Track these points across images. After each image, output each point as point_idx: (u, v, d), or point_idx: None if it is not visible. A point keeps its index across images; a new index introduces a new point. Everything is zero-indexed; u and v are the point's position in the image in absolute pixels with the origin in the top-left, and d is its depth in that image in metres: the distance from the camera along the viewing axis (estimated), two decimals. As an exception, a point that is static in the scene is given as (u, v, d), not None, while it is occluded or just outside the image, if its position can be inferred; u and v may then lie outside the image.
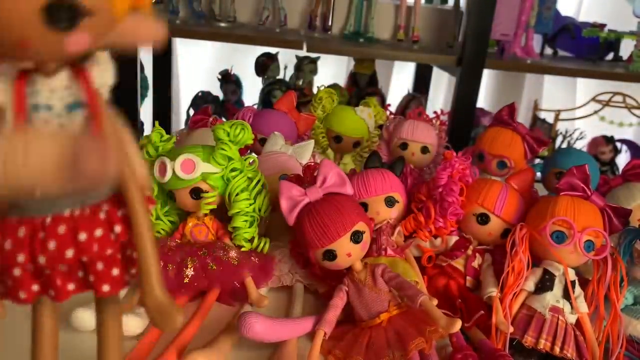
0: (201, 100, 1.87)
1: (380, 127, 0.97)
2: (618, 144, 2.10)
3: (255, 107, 0.97)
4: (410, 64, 2.20)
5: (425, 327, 0.54)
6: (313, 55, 1.85)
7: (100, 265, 0.36)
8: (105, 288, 0.37)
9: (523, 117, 2.21)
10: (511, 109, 0.86)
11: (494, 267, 0.67)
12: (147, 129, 1.89)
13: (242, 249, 0.64)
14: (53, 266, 0.35)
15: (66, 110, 0.33)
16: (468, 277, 0.68)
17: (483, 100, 2.25)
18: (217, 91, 1.94)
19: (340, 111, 0.95)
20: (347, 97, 1.91)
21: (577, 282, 0.63)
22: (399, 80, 2.28)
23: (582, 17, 2.24)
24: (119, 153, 0.36)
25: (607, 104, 2.06)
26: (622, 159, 2.11)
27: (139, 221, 0.36)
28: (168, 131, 1.80)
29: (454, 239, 0.70)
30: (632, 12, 1.76)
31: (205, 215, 0.65)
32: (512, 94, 2.29)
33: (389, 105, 1.16)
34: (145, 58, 1.90)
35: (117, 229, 0.36)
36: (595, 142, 2.08)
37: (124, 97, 1.61)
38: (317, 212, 0.58)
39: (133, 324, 0.56)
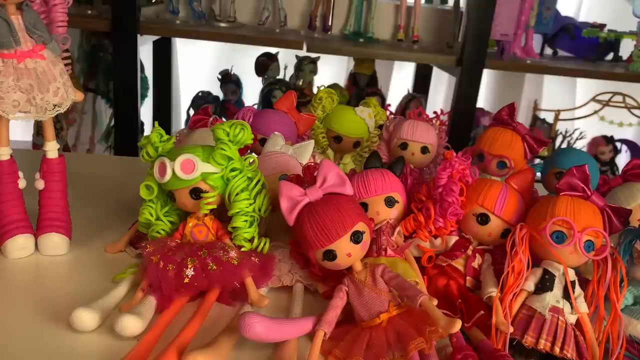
0: (201, 100, 1.87)
1: (380, 127, 0.96)
2: (618, 144, 2.10)
3: (255, 107, 0.97)
4: (410, 64, 2.20)
5: (425, 327, 0.54)
6: (313, 55, 1.85)
7: None
8: None
9: (523, 117, 2.21)
10: (511, 109, 0.86)
11: (494, 267, 0.67)
12: (147, 129, 1.89)
13: (242, 249, 0.64)
14: None
15: None
16: (468, 277, 0.68)
17: (483, 100, 2.25)
18: (217, 91, 1.94)
19: (340, 111, 0.95)
20: (347, 97, 1.91)
21: (577, 282, 0.63)
22: (399, 80, 2.28)
23: (582, 17, 2.24)
24: None
25: (607, 104, 2.06)
26: (622, 159, 2.11)
27: None
28: (168, 131, 1.81)
29: (453, 239, 0.70)
30: (631, 12, 1.76)
31: (205, 215, 0.65)
32: (512, 94, 2.29)
33: (389, 105, 1.16)
34: (146, 58, 1.90)
35: None
36: (595, 142, 2.08)
37: (124, 97, 1.61)
38: (317, 212, 0.58)
39: (133, 324, 0.56)
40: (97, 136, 1.91)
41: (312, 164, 0.70)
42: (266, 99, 1.84)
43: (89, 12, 1.64)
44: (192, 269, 0.60)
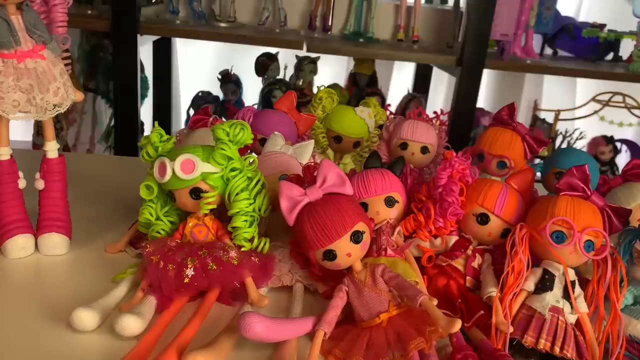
0: (201, 100, 1.87)
1: (380, 127, 0.97)
2: (618, 144, 2.10)
3: (255, 107, 0.97)
4: (410, 64, 2.20)
5: (425, 327, 0.54)
6: (313, 55, 1.85)
7: None
8: None
9: (523, 117, 2.21)
10: (511, 109, 0.86)
11: (494, 267, 0.67)
12: (147, 129, 1.89)
13: (242, 249, 0.64)
14: None
15: None
16: (468, 277, 0.68)
17: (483, 100, 2.24)
18: (217, 91, 1.94)
19: (340, 111, 0.95)
20: (347, 97, 1.91)
21: (577, 282, 0.63)
22: (399, 80, 2.28)
23: (582, 17, 2.24)
24: None
25: (607, 104, 2.06)
26: (622, 159, 2.11)
27: None
28: (168, 131, 1.81)
29: (453, 239, 0.70)
30: (631, 12, 1.76)
31: (205, 215, 0.65)
32: (512, 94, 2.29)
33: (389, 105, 1.16)
34: (146, 58, 1.90)
35: None
36: (595, 142, 2.08)
37: (124, 97, 1.61)
38: (317, 212, 0.58)
39: (133, 324, 0.56)
40: (97, 136, 1.91)
41: (312, 164, 0.70)
42: (266, 99, 1.84)
43: (89, 12, 1.64)
44: (192, 268, 0.60)
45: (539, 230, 0.62)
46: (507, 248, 0.63)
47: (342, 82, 2.11)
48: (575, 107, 2.14)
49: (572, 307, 0.61)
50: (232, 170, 0.63)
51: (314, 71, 1.92)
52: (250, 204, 0.64)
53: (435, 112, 0.97)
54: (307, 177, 0.66)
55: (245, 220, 0.64)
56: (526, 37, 1.84)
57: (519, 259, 0.62)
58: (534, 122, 2.11)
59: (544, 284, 0.62)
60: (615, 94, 2.04)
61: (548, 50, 2.03)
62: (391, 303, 0.58)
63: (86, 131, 1.91)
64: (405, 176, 0.75)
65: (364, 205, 0.69)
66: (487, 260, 0.69)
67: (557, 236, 0.61)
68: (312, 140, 0.82)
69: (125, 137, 1.64)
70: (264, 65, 1.90)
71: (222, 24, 1.72)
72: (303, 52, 1.70)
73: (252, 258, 0.64)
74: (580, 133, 2.09)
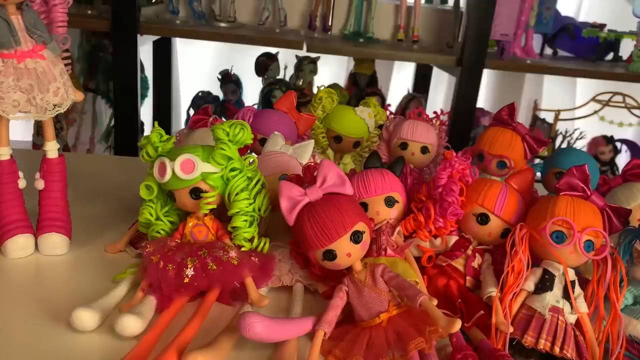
0: (201, 100, 1.87)
1: (380, 127, 0.96)
2: (618, 144, 2.10)
3: (255, 107, 0.97)
4: (410, 64, 2.20)
5: (425, 327, 0.54)
6: (313, 55, 1.85)
7: None
8: None
9: (523, 117, 2.21)
10: (511, 109, 0.86)
11: (494, 267, 0.67)
12: (147, 129, 1.89)
13: (242, 249, 0.64)
14: None
15: None
16: (468, 277, 0.68)
17: (483, 100, 2.24)
18: (217, 91, 1.94)
19: (340, 111, 0.95)
20: (347, 97, 1.91)
21: (577, 282, 0.63)
22: (399, 80, 2.28)
23: (582, 17, 2.24)
24: None
25: (607, 104, 2.06)
26: (622, 159, 2.11)
27: None
28: (168, 131, 1.81)
29: (453, 239, 0.70)
30: (631, 12, 1.76)
31: (205, 215, 0.65)
32: (512, 94, 2.29)
33: (389, 105, 1.16)
34: (146, 58, 1.90)
35: None
36: (595, 142, 2.08)
37: (124, 97, 1.61)
38: (317, 212, 0.58)
39: (133, 324, 0.56)
40: (97, 136, 1.91)
41: (312, 164, 0.70)
42: (266, 99, 1.84)
43: (89, 12, 1.64)
44: (192, 268, 0.60)
45: (539, 230, 0.62)
46: (507, 248, 0.63)
47: (342, 82, 2.11)
48: (575, 107, 2.14)
49: (572, 307, 0.61)
50: (232, 170, 0.63)
51: (314, 71, 1.92)
52: (250, 204, 0.64)
53: (435, 112, 0.97)
54: (307, 177, 0.67)
55: (245, 220, 0.64)
56: (526, 37, 1.84)
57: (519, 259, 0.62)
58: (534, 122, 2.11)
59: (544, 284, 0.62)
60: (615, 94, 2.04)
61: (548, 50, 2.03)
62: (391, 303, 0.58)
63: (86, 131, 1.91)
64: (405, 176, 0.75)
65: (364, 205, 0.69)
66: (487, 260, 0.69)
67: (557, 236, 0.61)
68: (312, 140, 0.82)
69: (125, 137, 1.64)
70: (264, 65, 1.90)
71: (222, 24, 1.72)
72: (303, 52, 1.70)
73: (252, 258, 0.64)
74: (580, 133, 2.09)
